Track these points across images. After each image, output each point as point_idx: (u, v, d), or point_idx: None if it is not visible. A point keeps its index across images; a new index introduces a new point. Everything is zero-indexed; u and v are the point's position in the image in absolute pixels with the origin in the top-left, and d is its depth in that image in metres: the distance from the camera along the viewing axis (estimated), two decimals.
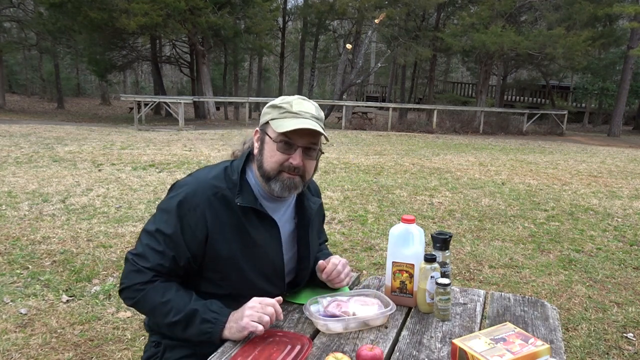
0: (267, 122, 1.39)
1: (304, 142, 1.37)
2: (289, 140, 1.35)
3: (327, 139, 1.41)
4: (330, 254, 1.67)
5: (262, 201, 1.42)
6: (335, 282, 1.51)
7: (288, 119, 1.35)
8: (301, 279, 1.56)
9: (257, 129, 1.43)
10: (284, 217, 1.48)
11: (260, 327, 1.24)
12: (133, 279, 1.34)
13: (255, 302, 1.29)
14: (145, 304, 1.35)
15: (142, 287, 1.33)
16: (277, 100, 1.41)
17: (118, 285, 1.40)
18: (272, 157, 1.37)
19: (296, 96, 1.42)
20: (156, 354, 1.48)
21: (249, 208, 1.37)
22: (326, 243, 1.83)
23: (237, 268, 1.39)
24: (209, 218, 1.35)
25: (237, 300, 1.38)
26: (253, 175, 1.44)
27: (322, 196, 1.68)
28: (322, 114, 1.42)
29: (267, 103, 1.48)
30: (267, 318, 1.26)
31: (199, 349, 1.38)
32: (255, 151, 1.42)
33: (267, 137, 1.38)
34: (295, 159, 1.36)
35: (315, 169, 1.46)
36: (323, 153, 1.45)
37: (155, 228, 1.36)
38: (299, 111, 1.36)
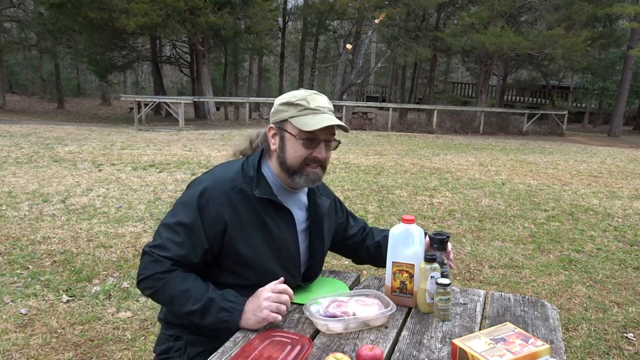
0: (285, 120, 1.43)
1: (326, 135, 1.43)
2: (313, 136, 1.41)
3: (347, 130, 1.49)
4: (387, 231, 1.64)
5: (278, 193, 1.47)
6: None
7: (309, 115, 1.40)
8: (313, 273, 1.61)
9: (272, 125, 1.47)
10: (298, 210, 1.54)
11: (280, 317, 1.28)
12: (152, 269, 1.36)
13: (269, 292, 1.31)
14: (164, 293, 1.36)
15: (162, 276, 1.35)
16: (290, 98, 1.44)
17: (135, 277, 1.42)
18: (295, 152, 1.42)
19: (308, 91, 1.46)
20: (174, 348, 1.49)
21: (266, 200, 1.42)
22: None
23: (257, 258, 1.43)
24: (228, 211, 1.39)
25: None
26: (269, 169, 1.49)
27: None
28: (332, 106, 1.49)
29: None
30: (284, 307, 1.30)
31: (218, 345, 1.40)
32: (273, 147, 1.46)
33: (287, 134, 1.43)
34: (321, 153, 1.43)
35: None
36: (340, 143, 1.51)
37: (175, 221, 1.39)
38: (316, 107, 1.41)
